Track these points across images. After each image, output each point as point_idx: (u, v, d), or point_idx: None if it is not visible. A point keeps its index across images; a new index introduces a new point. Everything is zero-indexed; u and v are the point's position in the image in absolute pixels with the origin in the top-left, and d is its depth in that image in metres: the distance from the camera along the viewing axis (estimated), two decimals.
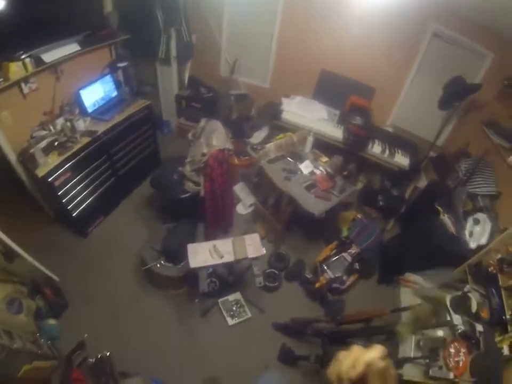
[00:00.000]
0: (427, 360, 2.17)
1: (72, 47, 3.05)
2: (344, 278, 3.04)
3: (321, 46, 3.74)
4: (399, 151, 3.45)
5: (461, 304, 2.57)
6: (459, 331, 2.40)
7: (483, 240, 3.19)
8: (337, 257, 3.12)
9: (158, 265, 2.81)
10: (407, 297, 2.56)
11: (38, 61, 2.76)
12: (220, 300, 2.91)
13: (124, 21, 3.93)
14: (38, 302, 2.62)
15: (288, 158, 3.08)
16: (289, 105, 3.66)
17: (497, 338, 2.53)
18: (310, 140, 3.11)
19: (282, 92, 4.00)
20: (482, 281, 3.03)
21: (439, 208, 3.32)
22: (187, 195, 2.93)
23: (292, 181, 2.84)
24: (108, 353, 2.24)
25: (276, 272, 3.12)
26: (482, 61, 3.52)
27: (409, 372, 2.14)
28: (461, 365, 2.29)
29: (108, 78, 3.50)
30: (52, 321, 2.62)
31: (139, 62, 4.36)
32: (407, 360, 2.18)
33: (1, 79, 2.53)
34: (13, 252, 2.57)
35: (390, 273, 3.39)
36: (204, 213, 2.94)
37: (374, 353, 0.58)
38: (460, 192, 3.52)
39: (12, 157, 2.91)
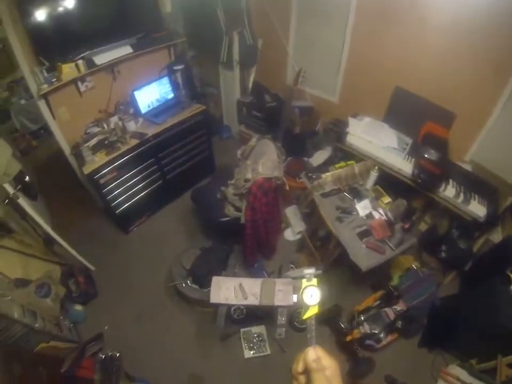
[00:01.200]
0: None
1: (124, 50, 3.03)
2: (381, 336, 2.65)
3: (397, 59, 3.23)
4: (476, 197, 2.87)
5: None
6: None
7: None
8: (379, 310, 2.72)
9: (184, 284, 2.72)
10: None
11: (90, 63, 2.81)
12: (242, 330, 2.72)
13: (189, 20, 3.85)
14: (71, 286, 2.84)
15: (345, 193, 2.70)
16: (356, 128, 3.24)
17: None
18: (373, 175, 2.70)
19: (351, 109, 3.59)
20: None
21: (511, 275, 2.73)
22: (227, 219, 2.72)
23: (344, 223, 2.48)
24: (118, 354, 2.34)
25: None
26: None
27: None
28: None
29: (165, 80, 3.42)
30: (78, 307, 2.83)
31: (204, 62, 4.25)
32: None
33: (54, 79, 2.64)
34: (52, 239, 2.81)
35: (435, 339, 2.92)
36: (244, 240, 2.73)
37: (307, 355, 0.68)
38: None
39: (67, 150, 3.08)
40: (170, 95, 3.48)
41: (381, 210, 2.54)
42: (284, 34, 3.78)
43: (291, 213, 3.51)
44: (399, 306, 2.70)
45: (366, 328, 2.65)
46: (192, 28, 3.89)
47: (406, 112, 3.33)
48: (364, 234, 2.42)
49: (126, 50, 3.03)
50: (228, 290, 2.22)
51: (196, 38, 3.91)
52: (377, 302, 2.78)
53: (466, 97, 3.07)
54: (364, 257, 2.32)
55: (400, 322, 2.70)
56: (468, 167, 3.23)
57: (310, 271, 0.91)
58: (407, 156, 3.02)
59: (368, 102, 3.57)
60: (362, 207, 2.56)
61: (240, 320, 2.71)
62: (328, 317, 2.83)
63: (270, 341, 2.71)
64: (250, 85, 4.19)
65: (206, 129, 3.62)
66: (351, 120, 3.35)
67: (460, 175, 3.01)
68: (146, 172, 3.21)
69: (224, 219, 2.72)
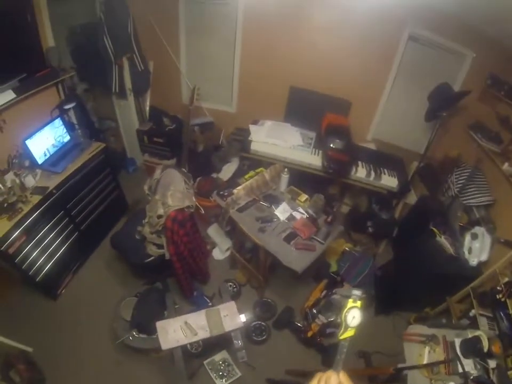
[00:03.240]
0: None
1: (6, 96, 2.66)
2: (339, 320, 2.78)
3: (288, 61, 3.41)
4: (385, 171, 3.13)
5: (472, 347, 2.35)
6: (471, 377, 2.11)
7: (484, 256, 2.98)
8: (328, 298, 2.81)
9: (131, 337, 2.52)
10: (412, 353, 2.25)
11: None
12: (205, 362, 2.62)
13: (75, 52, 3.57)
14: (14, 378, 2.42)
15: (261, 202, 2.70)
16: (258, 134, 3.29)
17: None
18: (284, 177, 2.75)
19: (251, 116, 3.66)
20: (489, 305, 2.84)
21: (435, 229, 3.07)
22: (151, 259, 2.59)
23: (267, 232, 2.47)
24: None
25: (263, 324, 2.82)
26: (463, 61, 3.29)
27: None
28: None
29: (58, 122, 3.11)
30: None
31: (98, 95, 3.99)
32: None
33: None
34: None
35: (387, 304, 3.16)
36: (175, 274, 2.64)
37: (329, 379, 0.73)
38: (455, 208, 3.27)
39: None
40: (67, 138, 3.19)
41: (300, 210, 2.60)
42: (174, 53, 3.73)
43: (214, 232, 3.45)
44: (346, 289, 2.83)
45: (322, 319, 2.73)
46: (80, 60, 3.60)
47: (304, 109, 3.49)
48: (290, 238, 2.45)
49: (8, 96, 2.68)
50: (175, 332, 2.16)
51: (86, 71, 3.65)
52: (324, 292, 2.87)
53: (358, 85, 3.39)
54: (296, 259, 2.34)
55: None
56: (372, 146, 3.51)
57: (357, 292, 0.93)
58: (314, 150, 3.14)
59: (266, 106, 3.67)
60: (282, 212, 2.59)
61: (200, 353, 2.61)
62: (283, 321, 2.88)
63: (236, 363, 2.64)
64: (147, 111, 4.05)
65: (110, 168, 3.40)
66: (252, 127, 3.40)
67: (366, 155, 3.24)
68: (58, 228, 2.91)
69: (149, 259, 2.59)
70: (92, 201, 3.23)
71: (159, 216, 2.30)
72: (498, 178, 3.16)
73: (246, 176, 2.88)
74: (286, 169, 2.78)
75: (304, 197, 2.72)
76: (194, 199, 2.48)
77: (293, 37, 3.27)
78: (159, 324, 2.17)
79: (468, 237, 3.08)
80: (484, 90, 3.31)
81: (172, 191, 2.31)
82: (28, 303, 3.07)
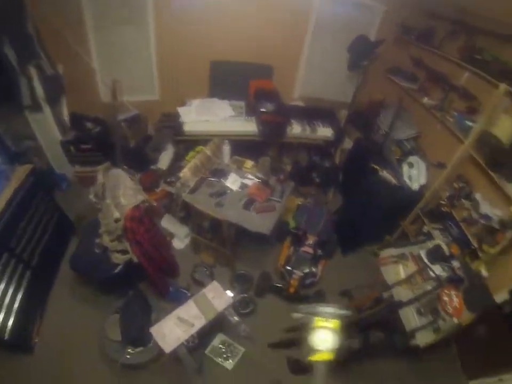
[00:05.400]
0: (432, 320, 2.23)
1: None
2: (314, 270, 2.93)
3: (204, 36, 3.36)
4: (319, 123, 3.30)
5: (435, 254, 2.64)
6: (443, 279, 2.44)
7: (422, 180, 3.35)
8: (297, 253, 2.96)
9: (128, 355, 2.39)
10: (389, 274, 2.53)
11: None
12: (206, 351, 2.62)
13: None
14: None
15: (210, 178, 2.72)
16: (189, 115, 3.25)
17: (474, 265, 2.71)
18: (226, 148, 2.78)
19: (176, 100, 3.58)
20: (438, 218, 3.21)
21: (376, 166, 3.34)
22: (119, 268, 2.50)
23: (225, 205, 2.52)
24: None
25: (245, 295, 2.89)
26: (375, 13, 3.63)
27: (423, 338, 2.21)
28: (458, 306, 2.33)
29: None
30: None
31: (8, 116, 3.58)
32: (417, 330, 2.22)
33: None
34: None
35: (351, 243, 3.41)
36: (147, 275, 2.58)
37: None
38: (388, 144, 3.57)
39: None
40: None
41: (250, 176, 2.67)
42: (85, 51, 3.48)
43: (167, 223, 3.36)
44: (310, 240, 2.97)
45: (297, 273, 2.88)
46: None
47: (229, 81, 3.49)
48: (248, 204, 2.52)
49: None
50: (172, 331, 2.11)
51: None
52: (291, 248, 3.02)
53: (277, 48, 3.51)
54: (261, 223, 2.43)
55: (319, 250, 3.01)
56: (300, 103, 3.66)
57: (330, 309, 0.76)
58: (247, 117, 3.19)
59: (190, 86, 3.61)
60: (232, 182, 2.64)
61: (197, 345, 2.54)
62: (263, 287, 2.97)
63: (236, 340, 2.68)
64: (67, 119, 3.76)
65: (44, 189, 3.11)
66: (181, 110, 3.35)
67: (298, 112, 3.37)
68: (7, 271, 2.57)
69: (117, 269, 2.50)
70: (35, 232, 2.91)
71: (117, 220, 2.22)
72: (420, 112, 3.55)
73: (188, 158, 2.86)
74: (225, 141, 2.79)
75: (249, 163, 2.78)
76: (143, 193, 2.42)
77: (206, 8, 3.23)
78: (154, 329, 2.10)
79: (405, 167, 3.42)
80: (397, 37, 3.71)
81: (123, 190, 2.24)
82: (5, 366, 2.71)
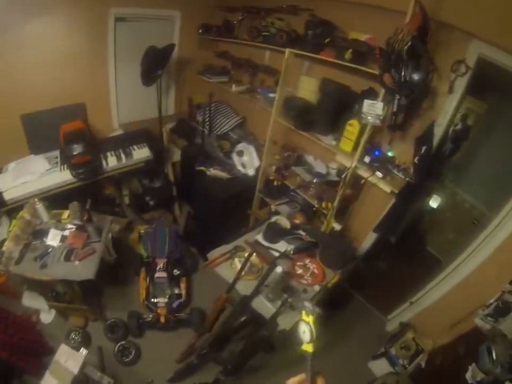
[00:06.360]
0: (290, 300, 2.13)
1: None
2: (176, 291, 2.91)
3: (8, 90, 3.06)
4: (134, 147, 3.26)
5: (273, 232, 2.67)
6: (291, 253, 2.45)
7: (256, 163, 3.48)
8: (153, 281, 2.93)
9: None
10: (226, 271, 2.44)
11: None
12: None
13: None
14: None
15: (33, 242, 2.52)
16: (5, 182, 2.95)
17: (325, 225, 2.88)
18: (39, 207, 2.60)
19: None
20: (278, 195, 3.37)
21: (201, 168, 3.41)
22: None
23: (49, 265, 2.35)
24: None
25: (123, 342, 2.76)
26: (174, 22, 3.73)
27: (285, 324, 2.10)
28: (317, 272, 2.41)
29: None
30: None
31: None
32: (274, 317, 2.10)
33: None
34: None
35: (210, 248, 3.41)
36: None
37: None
38: (209, 142, 3.69)
39: None
40: None
41: (69, 226, 2.54)
42: None
43: (28, 300, 3.01)
44: (160, 264, 2.98)
45: (161, 301, 2.88)
46: None
47: (45, 132, 3.17)
48: (69, 255, 2.39)
49: None
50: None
51: None
52: (147, 278, 3.00)
53: (84, 84, 3.40)
54: (84, 270, 2.32)
55: (175, 270, 3.07)
56: (120, 132, 3.61)
57: (308, 305, 0.91)
58: (62, 167, 3.01)
59: (6, 148, 3.19)
60: (52, 238, 2.49)
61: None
62: (135, 326, 2.83)
63: None
64: None
65: None
66: None
67: (112, 143, 3.28)
68: None
69: None
70: None
71: None
72: (237, 100, 3.70)
73: (10, 228, 2.64)
74: (36, 200, 2.62)
75: (66, 213, 2.66)
76: None
77: (6, 66, 2.98)
78: None
79: (235, 157, 3.53)
80: (200, 38, 3.87)
81: None
82: None
